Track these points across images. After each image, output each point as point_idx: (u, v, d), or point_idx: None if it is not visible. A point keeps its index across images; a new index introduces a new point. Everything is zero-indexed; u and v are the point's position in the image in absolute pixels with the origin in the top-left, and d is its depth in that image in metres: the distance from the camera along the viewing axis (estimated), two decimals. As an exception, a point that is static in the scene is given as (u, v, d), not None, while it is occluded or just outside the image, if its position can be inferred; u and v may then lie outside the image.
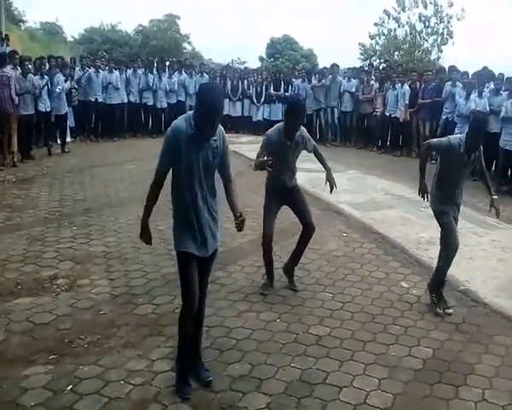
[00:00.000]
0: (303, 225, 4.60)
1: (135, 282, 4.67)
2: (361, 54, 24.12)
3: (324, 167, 4.61)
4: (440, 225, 4.33)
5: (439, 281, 4.38)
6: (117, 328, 3.85)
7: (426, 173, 4.35)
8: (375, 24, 23.65)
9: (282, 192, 4.49)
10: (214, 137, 3.00)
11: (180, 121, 2.98)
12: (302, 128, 4.43)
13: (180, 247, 3.08)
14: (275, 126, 4.46)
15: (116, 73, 12.74)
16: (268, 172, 4.38)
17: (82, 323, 3.92)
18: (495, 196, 4.36)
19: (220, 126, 3.04)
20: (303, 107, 4.53)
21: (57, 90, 10.67)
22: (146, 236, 3.23)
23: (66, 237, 5.73)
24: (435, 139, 4.32)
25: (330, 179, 4.59)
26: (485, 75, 10.08)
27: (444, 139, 4.26)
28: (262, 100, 14.45)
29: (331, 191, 4.63)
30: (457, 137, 4.21)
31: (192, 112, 3.00)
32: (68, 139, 12.22)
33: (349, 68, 13.92)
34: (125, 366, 3.38)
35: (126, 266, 5.00)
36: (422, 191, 4.38)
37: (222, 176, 3.19)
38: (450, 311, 4.28)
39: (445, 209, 4.27)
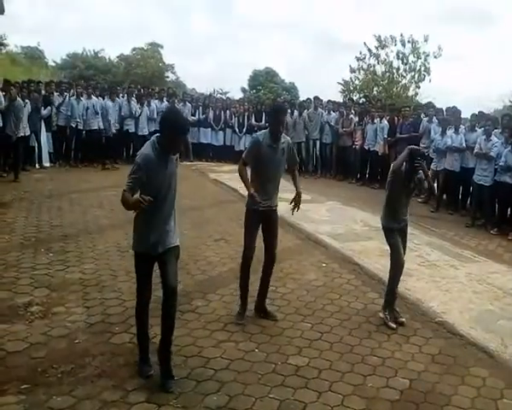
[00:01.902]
0: (267, 253, 4.62)
1: (111, 310, 4.59)
2: (342, 91, 24.65)
3: (296, 189, 4.64)
4: (388, 245, 4.80)
5: (388, 299, 4.73)
6: (92, 357, 3.77)
7: None
8: (357, 58, 24.35)
9: (263, 213, 4.47)
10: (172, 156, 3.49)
11: (147, 149, 3.40)
12: (288, 139, 4.62)
13: (136, 247, 3.54)
14: (260, 132, 4.66)
15: (95, 98, 12.77)
16: (252, 193, 4.40)
17: (56, 352, 3.82)
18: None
19: None
20: (285, 108, 4.78)
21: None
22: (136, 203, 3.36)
23: (42, 264, 5.63)
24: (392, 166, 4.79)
25: (297, 201, 4.59)
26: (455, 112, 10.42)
27: (396, 166, 4.71)
28: (244, 130, 14.63)
29: (293, 212, 4.61)
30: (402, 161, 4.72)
31: (155, 136, 3.43)
32: (47, 164, 12.18)
33: (329, 101, 14.24)
34: (100, 396, 3.30)
35: (103, 294, 4.93)
36: None
37: None
38: (402, 320, 4.64)
39: (391, 227, 4.76)
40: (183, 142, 3.47)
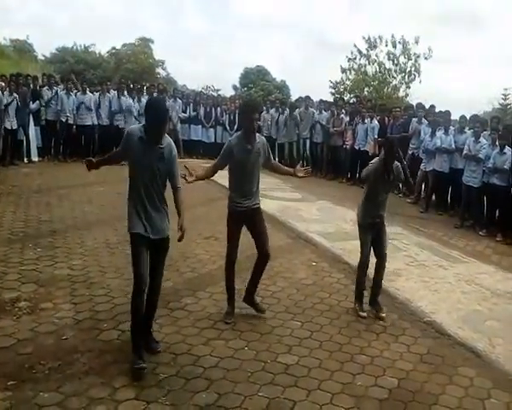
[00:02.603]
0: (259, 252, 4.54)
1: (100, 307, 4.55)
2: (333, 93, 24.69)
3: (291, 172, 4.71)
4: (359, 240, 4.93)
5: (356, 289, 4.99)
6: (80, 354, 3.73)
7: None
8: (348, 59, 24.43)
9: (244, 213, 4.42)
10: (161, 145, 3.59)
11: (134, 127, 3.71)
12: (263, 139, 4.54)
13: (131, 229, 3.62)
14: (234, 135, 4.61)
15: (90, 94, 12.66)
16: (230, 190, 4.43)
17: (43, 348, 3.78)
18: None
19: (169, 138, 3.69)
20: (256, 105, 4.61)
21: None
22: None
23: (29, 259, 5.56)
24: (364, 172, 4.90)
25: (304, 170, 4.69)
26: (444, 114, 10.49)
27: (369, 167, 4.80)
28: (235, 127, 14.59)
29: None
30: (377, 161, 4.81)
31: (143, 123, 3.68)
32: (36, 159, 12.05)
33: (321, 101, 14.27)
34: (87, 393, 3.27)
35: (92, 291, 4.88)
36: None
37: (170, 182, 3.73)
38: (383, 315, 4.79)
39: (365, 223, 4.83)
40: (162, 130, 3.56)
